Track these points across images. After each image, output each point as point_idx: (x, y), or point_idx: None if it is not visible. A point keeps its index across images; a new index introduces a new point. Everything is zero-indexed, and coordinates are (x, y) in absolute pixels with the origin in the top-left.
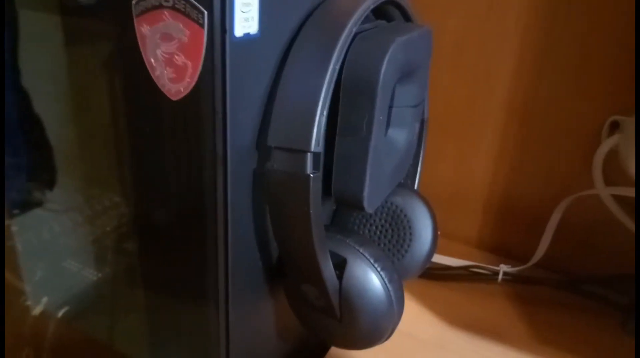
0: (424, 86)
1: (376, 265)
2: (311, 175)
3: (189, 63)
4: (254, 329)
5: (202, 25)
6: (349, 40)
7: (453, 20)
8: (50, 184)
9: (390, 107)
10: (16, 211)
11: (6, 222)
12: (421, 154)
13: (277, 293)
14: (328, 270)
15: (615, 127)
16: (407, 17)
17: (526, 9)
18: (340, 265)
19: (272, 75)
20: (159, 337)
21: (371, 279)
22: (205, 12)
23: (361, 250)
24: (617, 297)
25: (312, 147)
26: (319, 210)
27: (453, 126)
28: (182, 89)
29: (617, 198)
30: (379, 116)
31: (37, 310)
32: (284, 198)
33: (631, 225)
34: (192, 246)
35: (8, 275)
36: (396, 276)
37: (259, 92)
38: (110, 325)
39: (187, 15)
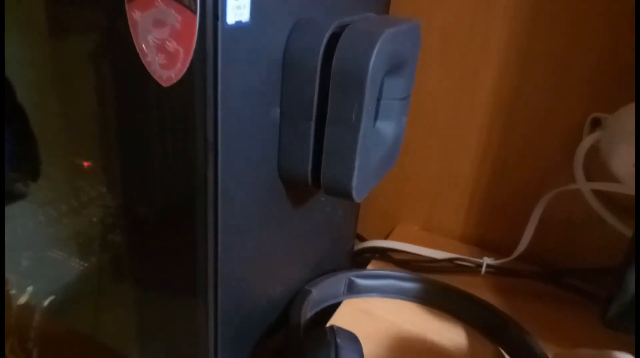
0: (412, 79)
1: None
2: None
3: (181, 49)
4: (244, 321)
5: (194, 12)
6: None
7: (440, 16)
8: (34, 174)
9: (379, 99)
10: None
11: None
12: None
13: (268, 283)
14: None
15: (596, 124)
16: None
17: (512, 6)
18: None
19: (264, 62)
20: (146, 329)
21: None
22: None
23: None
24: (596, 290)
25: None
26: None
27: (439, 121)
28: (173, 75)
29: (598, 193)
30: (368, 107)
31: (22, 299)
32: None
33: (611, 220)
34: (181, 237)
35: None
36: None
37: (250, 79)
38: (96, 315)
39: (180, 2)
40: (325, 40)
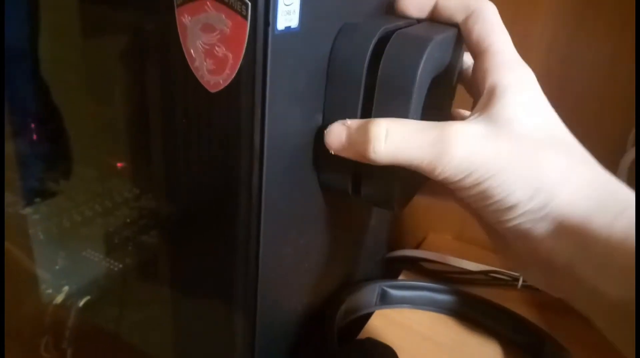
0: (453, 90)
1: None
2: None
3: (230, 55)
4: (279, 329)
5: (245, 17)
6: None
7: None
8: (66, 174)
9: (424, 108)
10: (37, 200)
11: (27, 210)
12: None
13: (302, 291)
14: None
15: None
16: None
17: (552, 18)
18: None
19: (309, 68)
20: (180, 334)
21: None
22: (249, 4)
23: None
24: None
25: None
26: None
27: None
28: (221, 81)
29: None
30: (413, 115)
31: (58, 299)
32: None
33: None
34: (222, 242)
35: (29, 263)
36: None
37: (296, 85)
38: (130, 318)
39: (231, 7)
40: (371, 47)
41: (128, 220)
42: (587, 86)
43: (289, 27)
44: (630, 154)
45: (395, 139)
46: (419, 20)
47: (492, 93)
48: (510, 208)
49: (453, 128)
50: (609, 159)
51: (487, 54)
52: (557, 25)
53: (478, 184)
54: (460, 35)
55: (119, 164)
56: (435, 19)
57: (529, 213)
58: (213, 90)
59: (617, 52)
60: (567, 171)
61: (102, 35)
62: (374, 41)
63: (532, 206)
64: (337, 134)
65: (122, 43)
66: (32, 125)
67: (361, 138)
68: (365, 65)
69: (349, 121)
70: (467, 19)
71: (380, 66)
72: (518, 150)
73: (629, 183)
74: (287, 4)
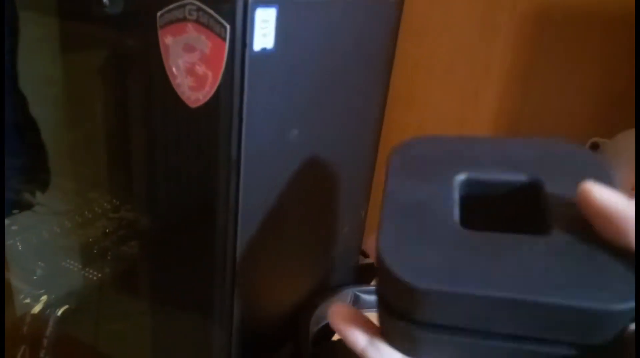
0: None
1: None
2: None
3: (210, 73)
4: (255, 334)
5: (224, 39)
6: None
7: (445, 43)
8: (45, 186)
9: None
10: (15, 211)
11: (6, 221)
12: None
13: (277, 297)
14: None
15: (595, 148)
16: None
17: (513, 34)
18: None
19: (285, 85)
20: (159, 342)
21: None
22: (228, 27)
23: None
24: None
25: None
26: None
27: None
28: (200, 97)
29: None
30: None
31: (36, 309)
32: None
33: None
34: (200, 251)
35: (6, 274)
36: None
37: (273, 102)
38: (109, 327)
39: (210, 29)
40: None
41: (107, 231)
42: (544, 102)
43: (265, 48)
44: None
45: None
46: None
47: None
48: None
49: None
50: None
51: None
52: (517, 46)
53: None
54: None
55: (102, 177)
56: None
57: None
58: (193, 105)
59: (572, 70)
60: None
61: (83, 51)
62: None
63: None
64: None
65: (103, 59)
66: (11, 137)
67: None
68: None
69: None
70: None
71: None
72: None
73: None
74: (263, 26)
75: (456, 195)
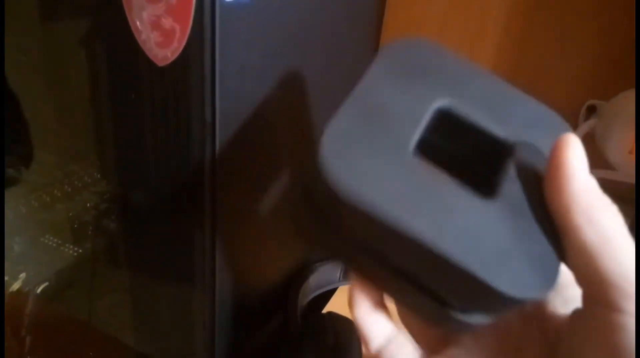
0: None
1: None
2: None
3: (177, 26)
4: (240, 307)
5: None
6: None
7: (439, 2)
8: (27, 160)
9: None
10: None
11: None
12: None
13: (263, 270)
14: None
15: (592, 111)
16: None
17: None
18: None
19: (262, 41)
20: (142, 315)
21: None
22: None
23: None
24: None
25: None
26: None
27: None
28: (169, 55)
29: None
30: None
31: (14, 286)
32: None
33: None
34: (178, 222)
35: None
36: None
37: (248, 59)
38: (91, 302)
39: None
40: None
41: (88, 205)
42: (540, 64)
43: None
44: (582, 129)
45: None
46: None
47: None
48: None
49: None
50: None
51: None
52: (513, 6)
53: None
54: None
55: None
56: None
57: None
58: (161, 64)
59: (570, 31)
60: None
61: (52, 17)
62: None
63: None
64: None
65: (72, 24)
66: None
67: None
68: None
69: None
70: None
71: None
72: None
73: None
74: None
75: (426, 118)
